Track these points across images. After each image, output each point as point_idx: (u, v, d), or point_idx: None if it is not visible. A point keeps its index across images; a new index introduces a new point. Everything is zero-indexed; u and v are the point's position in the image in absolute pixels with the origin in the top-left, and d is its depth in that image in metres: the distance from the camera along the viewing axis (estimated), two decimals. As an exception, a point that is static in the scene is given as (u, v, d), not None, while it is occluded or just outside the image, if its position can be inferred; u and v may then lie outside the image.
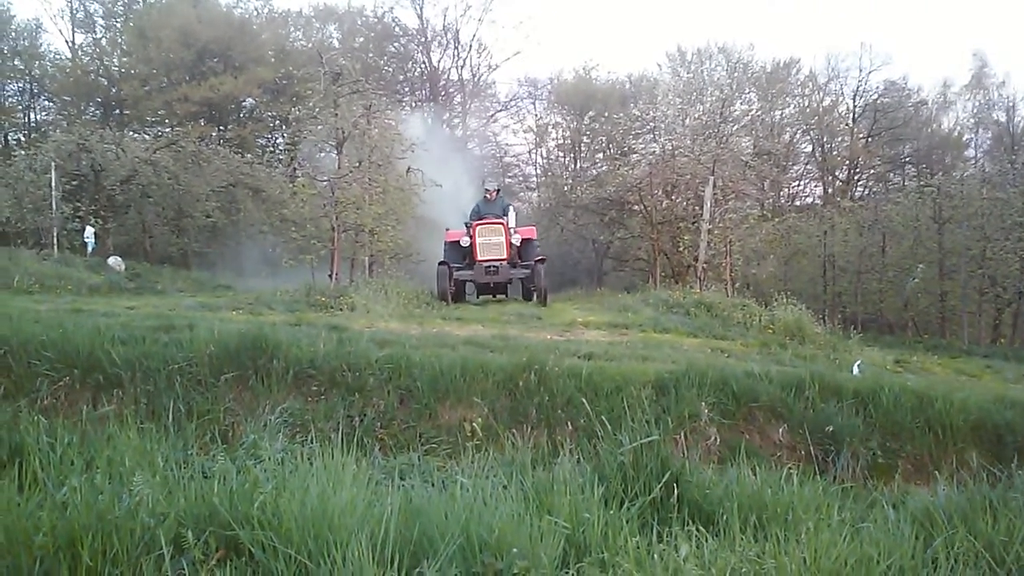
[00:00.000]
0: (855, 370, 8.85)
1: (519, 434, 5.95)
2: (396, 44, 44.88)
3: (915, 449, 6.63)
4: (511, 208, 18.66)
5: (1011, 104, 42.29)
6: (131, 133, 34.91)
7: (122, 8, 43.87)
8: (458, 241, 17.41)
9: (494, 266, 16.69)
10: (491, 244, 16.83)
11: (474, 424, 6.14)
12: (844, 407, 6.91)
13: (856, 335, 13.22)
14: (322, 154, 18.41)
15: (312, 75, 17.77)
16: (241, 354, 7.02)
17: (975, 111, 43.91)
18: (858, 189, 42.02)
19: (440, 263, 16.88)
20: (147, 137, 35.51)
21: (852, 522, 3.94)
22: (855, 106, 42.01)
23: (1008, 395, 7.38)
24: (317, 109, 17.07)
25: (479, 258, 16.67)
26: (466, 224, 17.51)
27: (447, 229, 18.52)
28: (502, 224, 17.03)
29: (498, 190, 18.75)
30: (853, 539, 3.51)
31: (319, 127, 17.18)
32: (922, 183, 29.91)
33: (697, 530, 3.61)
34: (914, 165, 43.63)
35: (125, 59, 41.84)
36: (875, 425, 6.72)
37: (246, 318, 10.32)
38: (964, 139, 44.61)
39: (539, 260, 16.92)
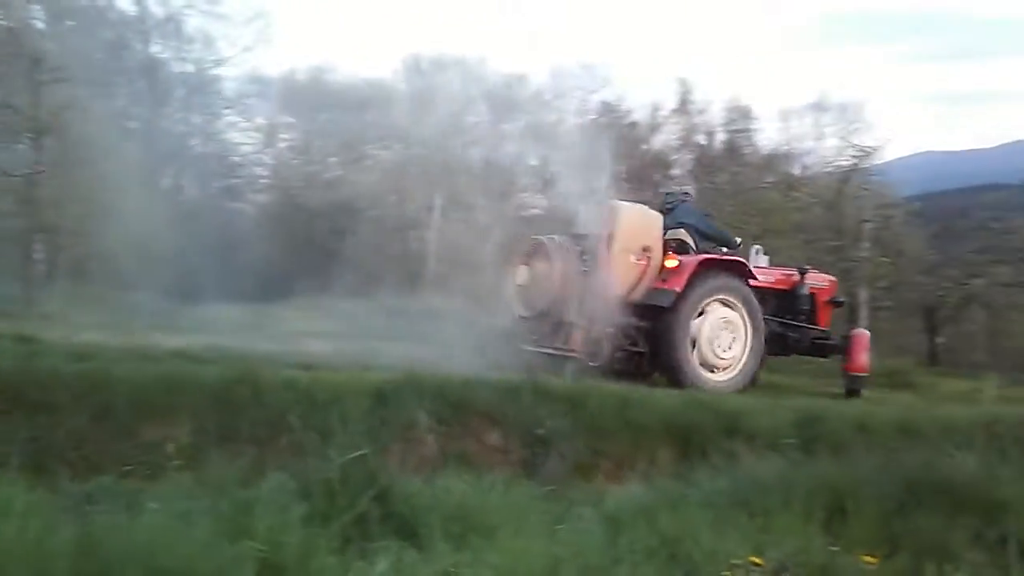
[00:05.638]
0: (567, 376, 9.28)
1: (228, 452, 5.66)
2: (110, 31, 41.59)
3: (616, 449, 7.06)
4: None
5: (711, 130, 46.77)
6: None
7: None
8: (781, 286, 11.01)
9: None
10: None
11: (177, 443, 5.76)
12: (556, 411, 7.21)
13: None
14: (18, 146, 16.43)
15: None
16: None
17: (680, 133, 48.04)
18: (580, 203, 44.49)
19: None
20: None
21: (551, 524, 4.12)
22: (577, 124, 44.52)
23: (695, 397, 8.07)
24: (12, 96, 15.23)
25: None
26: (692, 240, 10.75)
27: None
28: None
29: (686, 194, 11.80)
30: (548, 541, 3.67)
31: (15, 116, 15.27)
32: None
33: (401, 544, 3.61)
34: (628, 182, 46.97)
35: None
36: (581, 427, 7.07)
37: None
38: (672, 159, 48.66)
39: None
